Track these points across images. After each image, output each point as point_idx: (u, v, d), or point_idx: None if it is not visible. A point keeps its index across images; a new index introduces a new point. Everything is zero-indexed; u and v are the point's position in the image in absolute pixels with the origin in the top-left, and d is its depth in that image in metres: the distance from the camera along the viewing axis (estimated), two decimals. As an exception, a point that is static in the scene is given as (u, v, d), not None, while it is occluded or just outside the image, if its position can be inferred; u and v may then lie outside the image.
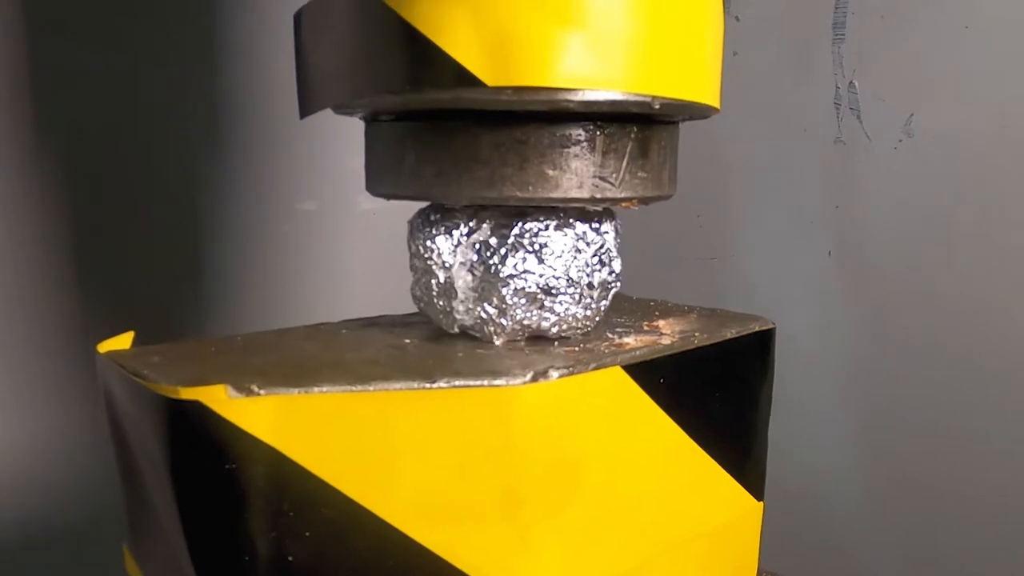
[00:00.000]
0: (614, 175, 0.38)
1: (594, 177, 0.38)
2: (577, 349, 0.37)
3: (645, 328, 0.41)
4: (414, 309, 0.47)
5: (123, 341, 0.37)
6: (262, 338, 0.39)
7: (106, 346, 0.36)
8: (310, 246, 0.74)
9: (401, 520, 0.34)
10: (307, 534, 0.33)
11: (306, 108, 0.41)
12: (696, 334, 0.41)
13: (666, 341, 0.39)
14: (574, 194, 0.37)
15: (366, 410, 0.33)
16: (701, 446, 0.41)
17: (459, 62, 0.34)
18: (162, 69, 0.64)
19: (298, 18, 0.40)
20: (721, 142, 0.79)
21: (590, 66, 0.34)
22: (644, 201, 0.40)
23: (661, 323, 0.42)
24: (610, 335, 0.40)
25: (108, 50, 0.62)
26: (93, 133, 0.62)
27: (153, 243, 0.65)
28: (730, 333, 0.42)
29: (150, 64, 0.63)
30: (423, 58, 0.35)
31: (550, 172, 0.37)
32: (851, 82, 0.72)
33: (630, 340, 0.39)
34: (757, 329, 0.43)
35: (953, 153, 0.68)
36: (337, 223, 0.75)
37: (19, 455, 0.61)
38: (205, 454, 0.32)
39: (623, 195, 0.38)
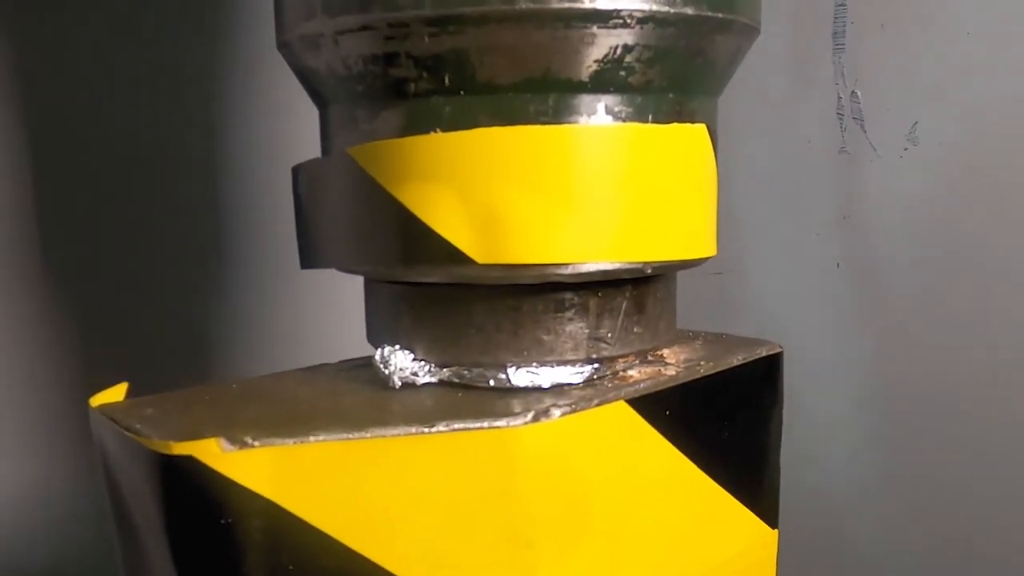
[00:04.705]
0: (610, 335, 0.38)
1: (589, 339, 0.38)
2: (580, 384, 0.37)
3: (649, 358, 0.40)
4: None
5: (116, 393, 0.36)
6: (257, 384, 0.38)
7: (99, 399, 0.36)
8: (311, 278, 0.73)
9: (405, 569, 0.33)
10: (308, 588, 0.32)
11: (306, 263, 0.41)
12: (702, 363, 0.40)
13: (671, 372, 0.38)
14: (570, 356, 0.37)
15: (363, 458, 0.32)
16: (711, 477, 0.40)
17: (449, 240, 0.35)
18: (160, 98, 0.64)
19: (296, 173, 0.40)
20: (724, 155, 0.78)
21: (580, 241, 0.35)
22: (641, 355, 0.40)
23: (665, 351, 0.41)
24: (613, 367, 0.39)
25: (107, 83, 0.61)
26: (90, 166, 0.61)
27: (152, 278, 0.65)
28: (736, 360, 0.41)
29: (148, 93, 0.63)
30: (414, 236, 0.35)
31: (545, 337, 0.37)
32: (853, 91, 0.71)
33: (634, 372, 0.38)
34: (764, 354, 0.42)
35: (960, 160, 0.66)
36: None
37: (15, 507, 0.60)
38: (200, 509, 0.31)
39: (620, 352, 0.39)
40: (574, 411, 0.34)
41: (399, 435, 0.32)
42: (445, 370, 0.38)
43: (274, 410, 0.34)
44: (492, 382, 0.37)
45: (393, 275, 0.38)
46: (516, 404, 0.34)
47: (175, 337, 0.66)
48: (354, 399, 0.36)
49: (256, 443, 0.31)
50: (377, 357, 0.38)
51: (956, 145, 0.66)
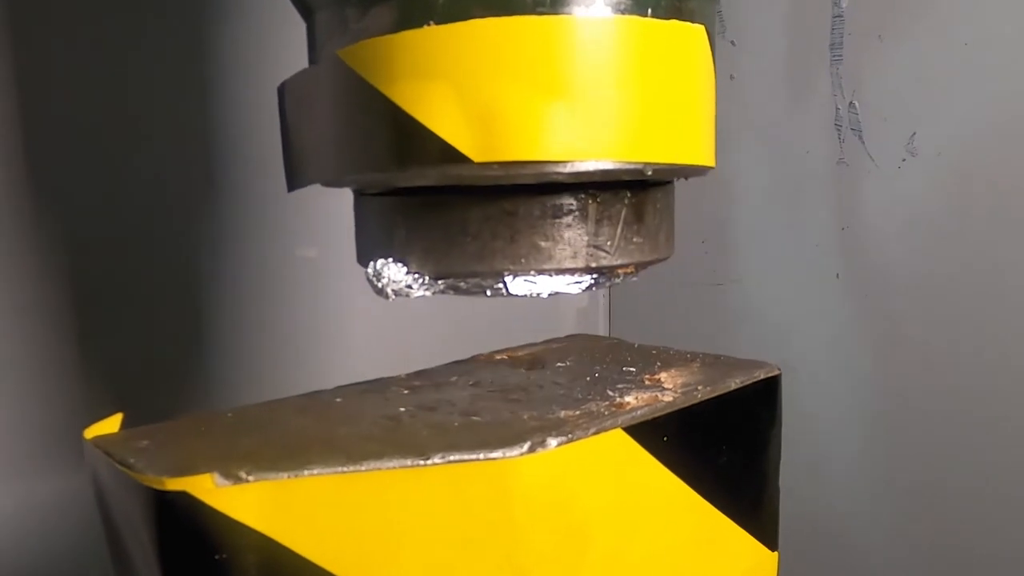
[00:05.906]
0: (609, 243, 0.37)
1: (588, 246, 0.37)
2: (576, 413, 0.36)
3: (646, 383, 0.40)
4: (415, 360, 0.47)
5: (111, 424, 0.36)
6: (253, 413, 0.38)
7: (93, 431, 0.35)
8: (311, 294, 0.73)
9: (401, 602, 0.33)
10: (303, 622, 0.32)
11: (292, 183, 0.40)
12: (699, 387, 0.39)
13: (668, 398, 0.38)
14: (568, 264, 0.36)
15: (360, 491, 0.32)
16: (710, 501, 0.40)
17: (444, 139, 0.33)
18: (156, 114, 0.64)
19: (281, 91, 0.39)
20: (723, 167, 0.78)
21: (578, 137, 0.33)
22: (641, 267, 0.39)
23: (663, 376, 0.41)
24: (610, 393, 0.39)
25: (101, 104, 0.61)
26: (86, 184, 0.61)
27: (147, 291, 0.65)
28: (734, 383, 0.41)
29: (143, 109, 0.63)
30: (407, 136, 0.34)
31: (542, 243, 0.36)
32: (851, 102, 0.71)
33: (630, 399, 0.38)
34: (762, 377, 0.42)
35: (958, 170, 0.66)
36: (339, 270, 0.73)
37: (10, 535, 0.60)
38: (194, 545, 0.31)
39: (619, 262, 0.37)
40: (570, 440, 0.34)
41: (395, 467, 0.32)
42: (440, 282, 0.37)
43: (269, 441, 0.34)
44: (488, 292, 0.36)
45: (385, 181, 0.37)
46: (512, 433, 0.34)
47: (171, 350, 0.66)
48: (350, 429, 0.35)
49: (250, 478, 0.31)
50: (369, 271, 0.37)
51: (954, 155, 0.66)
